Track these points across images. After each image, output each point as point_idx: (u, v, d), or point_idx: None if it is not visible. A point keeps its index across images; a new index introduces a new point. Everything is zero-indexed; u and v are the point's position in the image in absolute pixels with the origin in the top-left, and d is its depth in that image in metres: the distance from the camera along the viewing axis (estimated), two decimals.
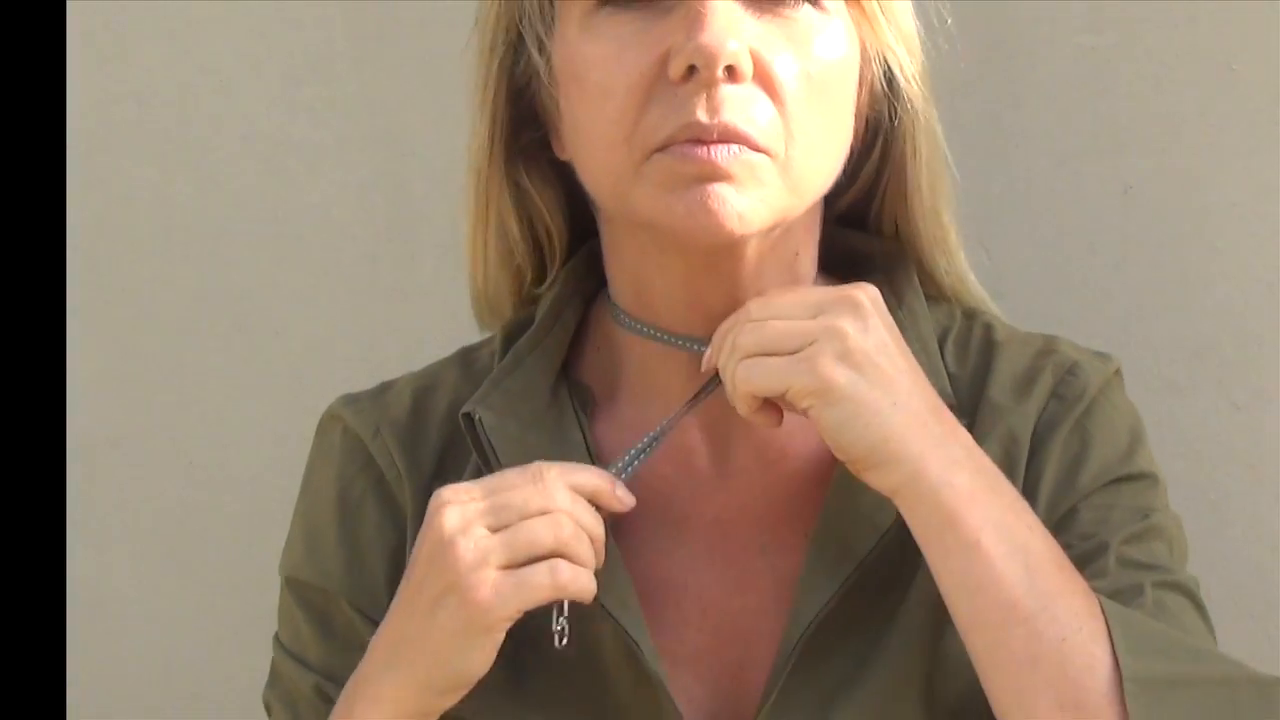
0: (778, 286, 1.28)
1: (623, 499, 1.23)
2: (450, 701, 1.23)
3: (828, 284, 1.33)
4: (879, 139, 1.32)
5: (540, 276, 1.37)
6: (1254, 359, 1.51)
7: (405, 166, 1.69)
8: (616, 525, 1.26)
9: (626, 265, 1.31)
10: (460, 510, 1.20)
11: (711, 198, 1.21)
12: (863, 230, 1.37)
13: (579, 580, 1.20)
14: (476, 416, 1.29)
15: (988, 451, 1.27)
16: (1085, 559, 1.25)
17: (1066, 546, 1.25)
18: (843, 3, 1.27)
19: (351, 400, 1.38)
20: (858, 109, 1.29)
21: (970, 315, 1.36)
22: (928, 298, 1.35)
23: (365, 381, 1.41)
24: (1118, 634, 1.18)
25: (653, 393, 1.32)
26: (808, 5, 1.25)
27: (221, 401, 1.73)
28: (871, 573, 1.25)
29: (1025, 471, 1.29)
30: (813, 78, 1.24)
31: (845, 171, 1.30)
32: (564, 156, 1.31)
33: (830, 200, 1.32)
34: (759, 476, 1.30)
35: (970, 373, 1.32)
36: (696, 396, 1.28)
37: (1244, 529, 1.52)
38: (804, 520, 1.28)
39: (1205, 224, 1.52)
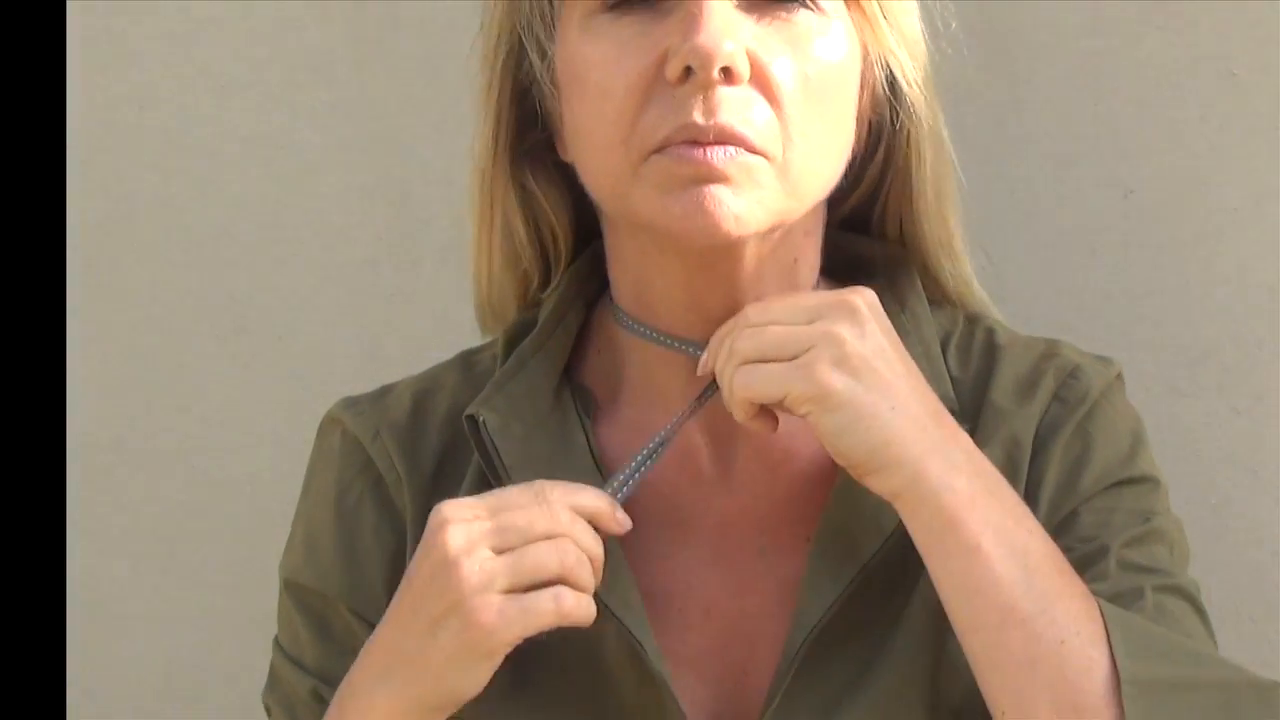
0: (776, 290, 1.28)
1: (621, 522, 1.23)
2: (442, 718, 1.22)
3: (830, 288, 1.33)
4: (882, 142, 1.32)
5: (545, 281, 1.37)
6: (1255, 363, 1.51)
7: (406, 170, 1.69)
8: None
9: (627, 267, 1.31)
10: (465, 530, 1.19)
11: (708, 199, 1.21)
12: (866, 234, 1.37)
13: (581, 607, 1.20)
14: (480, 419, 1.29)
15: (990, 455, 1.27)
16: (1086, 562, 1.25)
17: (1067, 549, 1.25)
18: (843, 5, 1.27)
19: (351, 403, 1.38)
20: (859, 112, 1.29)
21: (973, 319, 1.37)
22: (930, 302, 1.35)
23: (366, 385, 1.41)
24: (1116, 637, 1.18)
25: (654, 395, 1.32)
26: (806, 8, 1.25)
27: (222, 404, 1.73)
28: (875, 575, 1.25)
29: (1027, 474, 1.29)
30: (811, 80, 1.24)
31: (848, 175, 1.30)
32: (567, 158, 1.31)
33: (834, 204, 1.32)
34: (762, 479, 1.30)
35: (973, 376, 1.32)
36: (697, 401, 1.28)
37: (1244, 532, 1.52)
38: (807, 522, 1.28)
39: (1206, 228, 1.52)
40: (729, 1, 1.22)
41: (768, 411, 1.24)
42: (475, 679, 1.20)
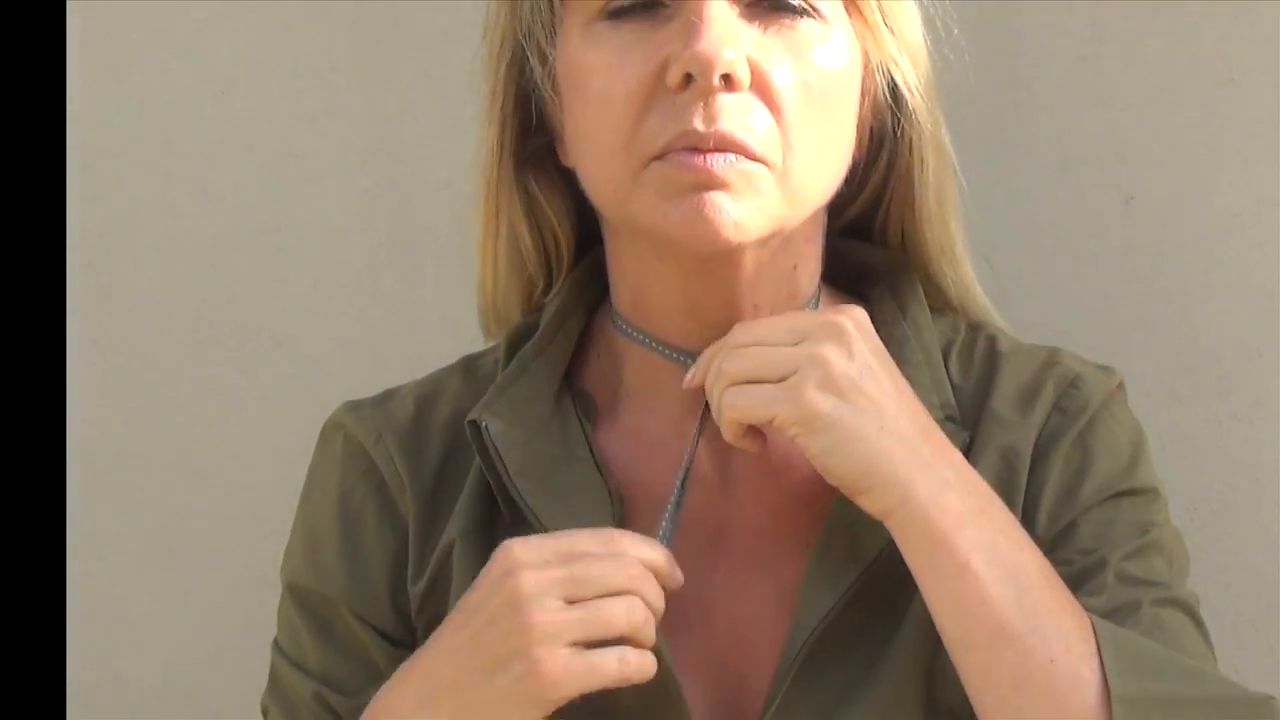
0: (775, 297, 1.29)
1: (677, 579, 1.22)
2: None
3: (832, 296, 1.34)
4: (884, 149, 1.32)
5: (549, 286, 1.37)
6: (1255, 369, 1.51)
7: (407, 176, 1.69)
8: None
9: (627, 273, 1.32)
10: (538, 577, 1.17)
11: (708, 206, 1.21)
12: (868, 241, 1.37)
13: (644, 669, 1.19)
14: (483, 424, 1.29)
15: (989, 463, 1.28)
16: (1084, 575, 1.25)
17: (1066, 561, 1.25)
18: (844, 13, 1.27)
19: (354, 407, 1.38)
20: (860, 119, 1.30)
21: (975, 327, 1.37)
22: (933, 309, 1.35)
23: (367, 390, 1.41)
24: (1109, 655, 1.18)
25: (652, 401, 1.32)
26: (808, 16, 1.25)
27: (222, 409, 1.73)
28: (873, 583, 1.25)
29: (1027, 485, 1.29)
30: (811, 87, 1.24)
31: (851, 182, 1.31)
32: (568, 164, 1.31)
33: (836, 211, 1.32)
34: (762, 487, 1.30)
35: (974, 384, 1.33)
36: (699, 426, 1.28)
37: (1245, 538, 1.52)
38: (807, 530, 1.28)
39: (1206, 234, 1.52)
40: (730, 8, 1.22)
41: (756, 430, 1.24)
42: None
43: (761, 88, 1.23)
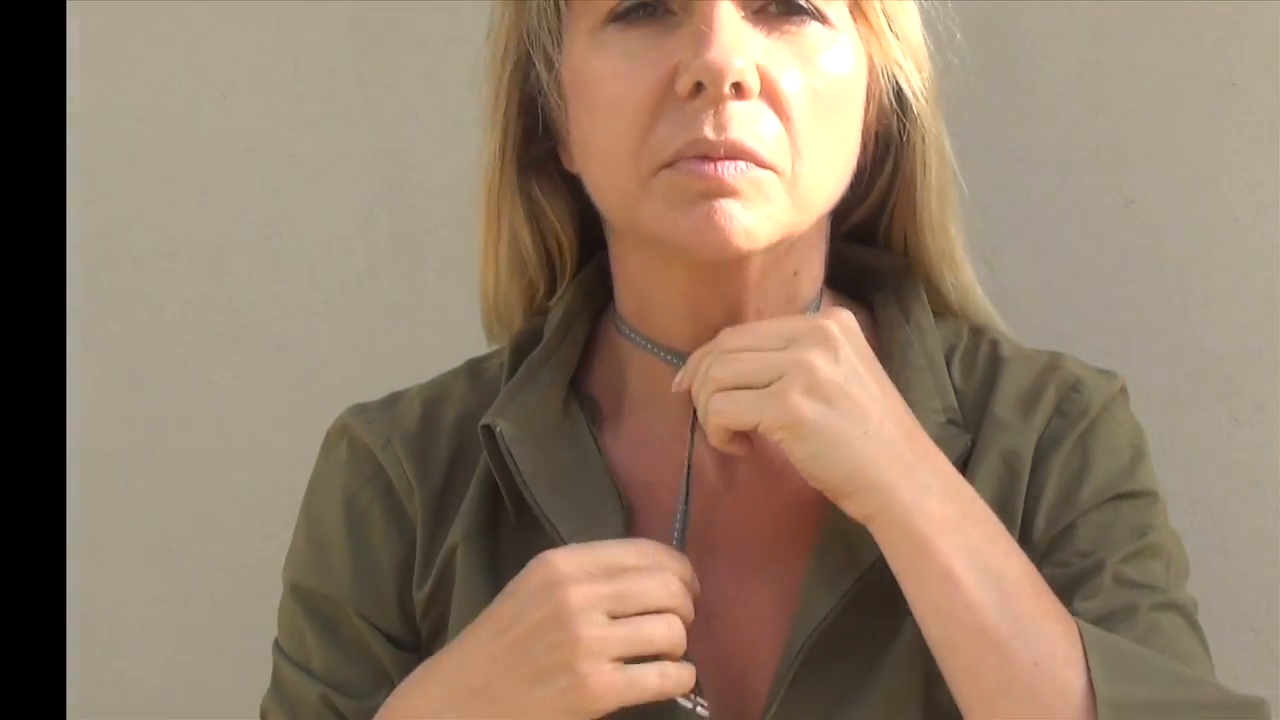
0: (777, 302, 1.29)
1: (696, 588, 1.24)
2: None
3: (834, 300, 1.34)
4: (890, 154, 1.32)
5: (551, 289, 1.37)
6: (1256, 373, 1.51)
7: (408, 180, 1.69)
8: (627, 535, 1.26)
9: (630, 278, 1.32)
10: (585, 593, 1.19)
11: (718, 214, 1.21)
12: (871, 245, 1.37)
13: (682, 682, 1.21)
14: (497, 429, 1.30)
15: (990, 466, 1.28)
16: (1082, 577, 1.26)
17: (1064, 564, 1.26)
18: (850, 18, 1.27)
19: (361, 410, 1.38)
20: (866, 124, 1.30)
21: (977, 332, 1.37)
22: (936, 314, 1.36)
23: (367, 393, 1.41)
24: (1095, 659, 1.18)
25: (655, 406, 1.32)
26: (815, 21, 1.25)
27: (223, 414, 1.73)
28: (873, 585, 1.25)
29: (1027, 488, 1.29)
30: (819, 94, 1.24)
31: (855, 187, 1.31)
32: (572, 169, 1.31)
33: (840, 216, 1.32)
34: (763, 490, 1.30)
35: (976, 388, 1.33)
36: (693, 431, 1.28)
37: (1245, 543, 1.52)
38: (807, 532, 1.28)
39: (1207, 238, 1.52)
40: (738, 15, 1.23)
41: (744, 435, 1.24)
42: None
43: (770, 94, 1.23)
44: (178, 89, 1.71)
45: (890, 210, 1.35)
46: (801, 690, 1.24)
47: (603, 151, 1.25)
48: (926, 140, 1.32)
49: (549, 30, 1.27)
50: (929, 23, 1.34)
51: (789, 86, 1.23)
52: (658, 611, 1.20)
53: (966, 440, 1.29)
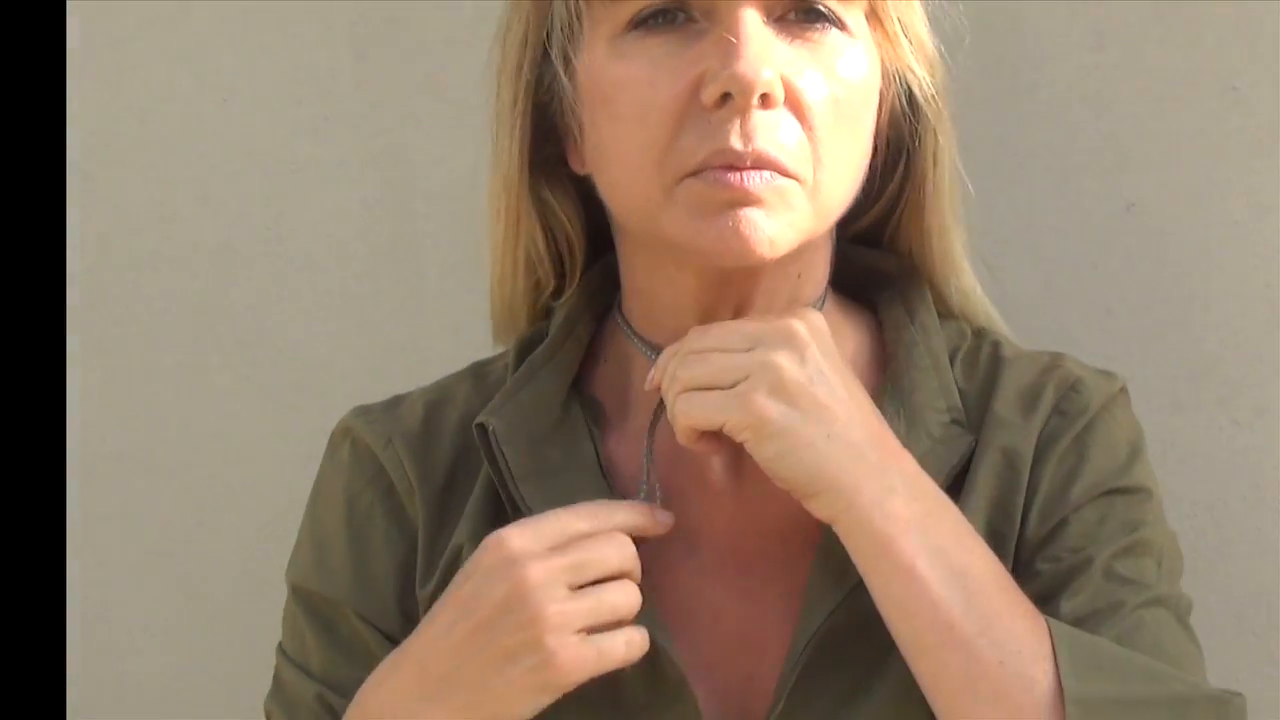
0: (780, 304, 1.29)
1: (664, 521, 1.25)
2: None
3: (838, 301, 1.35)
4: (901, 158, 1.33)
5: (558, 290, 1.37)
6: (1256, 376, 1.51)
7: (409, 184, 1.69)
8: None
9: (639, 281, 1.32)
10: (543, 568, 1.20)
11: (743, 223, 1.22)
12: (876, 247, 1.38)
13: (643, 647, 1.22)
14: (490, 428, 1.30)
15: (992, 465, 1.28)
16: (1071, 573, 1.26)
17: (1055, 559, 1.26)
18: (865, 25, 1.28)
19: (363, 412, 1.38)
20: (877, 128, 1.30)
21: (980, 334, 1.38)
22: (940, 316, 1.36)
23: (368, 397, 1.41)
24: (1064, 656, 1.18)
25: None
26: (835, 29, 1.25)
27: (224, 417, 1.73)
28: None
29: (1026, 485, 1.29)
30: (840, 102, 1.25)
31: (865, 190, 1.31)
32: (582, 171, 1.31)
33: (848, 219, 1.32)
34: (769, 488, 1.29)
35: (978, 388, 1.33)
36: (654, 414, 1.29)
37: (1246, 546, 1.52)
38: (812, 531, 1.27)
39: (1207, 241, 1.52)
40: (763, 23, 1.23)
41: (711, 435, 1.25)
42: (535, 710, 1.21)
43: (793, 102, 1.23)
44: (178, 92, 1.71)
45: (899, 214, 1.36)
46: (807, 689, 1.24)
47: (624, 158, 1.25)
48: (938, 144, 1.33)
49: (569, 34, 1.27)
50: (933, 24, 1.34)
51: (812, 95, 1.24)
52: (615, 577, 1.21)
53: (970, 440, 1.30)
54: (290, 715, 1.33)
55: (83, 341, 1.72)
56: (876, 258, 1.37)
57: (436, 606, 1.24)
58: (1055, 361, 1.35)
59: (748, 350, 1.23)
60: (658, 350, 1.31)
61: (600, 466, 1.31)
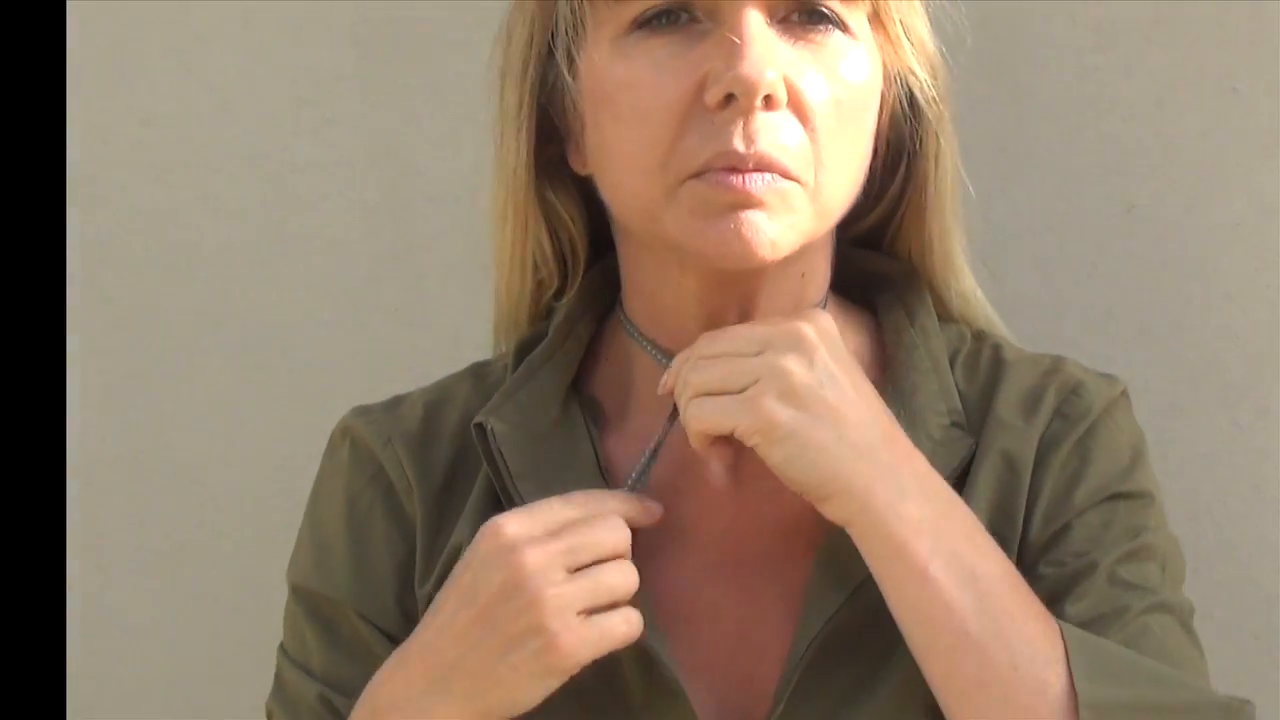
0: (786, 304, 1.29)
1: (653, 510, 1.26)
2: None
3: (839, 303, 1.35)
4: (901, 160, 1.33)
5: (560, 290, 1.37)
6: (1257, 378, 1.51)
7: (410, 186, 1.69)
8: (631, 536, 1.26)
9: (641, 281, 1.32)
10: (540, 553, 1.20)
11: (745, 225, 1.22)
12: (875, 250, 1.38)
13: (641, 626, 1.22)
14: (488, 427, 1.30)
15: (993, 468, 1.28)
16: (1076, 577, 1.26)
17: (1059, 563, 1.26)
18: (868, 27, 1.28)
19: (363, 412, 1.39)
20: (878, 130, 1.30)
21: (980, 337, 1.38)
22: (940, 319, 1.36)
23: (369, 399, 1.41)
24: (1076, 660, 1.18)
25: (662, 409, 1.32)
26: (838, 30, 1.25)
27: (224, 420, 1.73)
28: (878, 586, 1.25)
29: (1028, 488, 1.29)
30: (842, 103, 1.25)
31: (867, 193, 1.31)
32: (584, 172, 1.31)
33: (849, 221, 1.32)
34: (768, 489, 1.30)
35: (979, 391, 1.33)
36: (669, 421, 1.29)
37: (1248, 549, 1.52)
38: (812, 532, 1.28)
39: (1208, 244, 1.52)
40: (766, 24, 1.23)
41: (724, 440, 1.25)
42: (543, 694, 1.21)
43: (796, 104, 1.23)
44: (179, 92, 1.71)
45: (900, 216, 1.36)
46: (807, 691, 1.24)
47: (627, 159, 1.25)
48: (940, 147, 1.33)
49: (572, 35, 1.27)
50: (934, 26, 1.34)
51: (814, 97, 1.24)
52: (610, 558, 1.22)
53: (970, 443, 1.30)
54: (292, 715, 1.33)
55: (83, 341, 1.72)
56: (877, 260, 1.37)
57: (439, 597, 1.24)
58: (1056, 365, 1.35)
59: (757, 354, 1.23)
60: (663, 351, 1.31)
61: (599, 466, 1.31)
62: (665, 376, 1.28)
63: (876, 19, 1.28)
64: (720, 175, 1.22)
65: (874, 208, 1.35)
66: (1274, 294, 1.50)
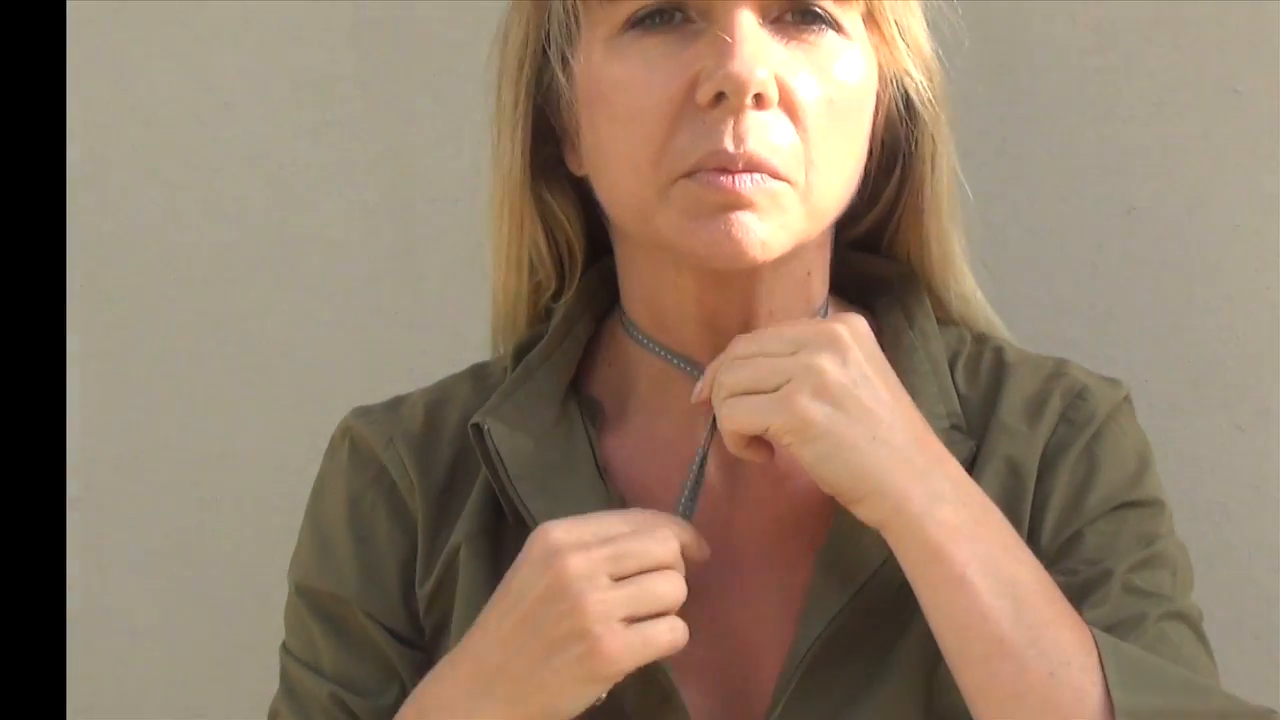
0: (790, 304, 1.29)
1: (704, 550, 1.24)
2: None
3: (839, 306, 1.35)
4: (898, 162, 1.33)
5: (558, 292, 1.37)
6: (1257, 380, 1.51)
7: (410, 187, 1.69)
8: None
9: (640, 283, 1.32)
10: (584, 559, 1.19)
11: (735, 226, 1.22)
12: (873, 252, 1.38)
13: (686, 635, 1.21)
14: (486, 428, 1.30)
15: (995, 472, 1.28)
16: (1089, 586, 1.25)
17: (1071, 572, 1.25)
18: (862, 27, 1.27)
19: (364, 412, 1.39)
20: (873, 131, 1.30)
21: (981, 339, 1.37)
22: (938, 321, 1.36)
23: (369, 398, 1.41)
24: (1110, 667, 1.17)
25: (664, 409, 1.32)
26: (831, 30, 1.25)
27: (224, 421, 1.73)
28: (878, 590, 1.25)
29: (1033, 495, 1.29)
30: (835, 104, 1.25)
31: (861, 194, 1.31)
32: (580, 172, 1.31)
33: (846, 224, 1.32)
34: (768, 491, 1.30)
35: (981, 394, 1.33)
36: (710, 431, 1.28)
37: (1248, 550, 1.52)
38: (812, 535, 1.28)
39: (1208, 245, 1.52)
40: (759, 23, 1.23)
41: (761, 441, 1.24)
42: (586, 701, 1.21)
43: (787, 104, 1.23)
44: (179, 94, 1.71)
45: (897, 218, 1.36)
46: (806, 693, 1.24)
47: (620, 159, 1.25)
48: (936, 149, 1.33)
49: (566, 35, 1.27)
50: (932, 27, 1.34)
51: (806, 96, 1.23)
52: (657, 569, 1.20)
53: (970, 446, 1.30)
54: (304, 715, 1.33)
55: (83, 341, 1.72)
56: (874, 263, 1.37)
57: (490, 600, 1.24)
58: (1060, 369, 1.34)
59: (791, 354, 1.22)
60: (671, 351, 1.31)
61: (597, 466, 1.31)
62: (699, 384, 1.27)
63: (871, 19, 1.28)
64: (710, 175, 1.22)
65: (870, 210, 1.35)
66: (1274, 294, 1.50)
